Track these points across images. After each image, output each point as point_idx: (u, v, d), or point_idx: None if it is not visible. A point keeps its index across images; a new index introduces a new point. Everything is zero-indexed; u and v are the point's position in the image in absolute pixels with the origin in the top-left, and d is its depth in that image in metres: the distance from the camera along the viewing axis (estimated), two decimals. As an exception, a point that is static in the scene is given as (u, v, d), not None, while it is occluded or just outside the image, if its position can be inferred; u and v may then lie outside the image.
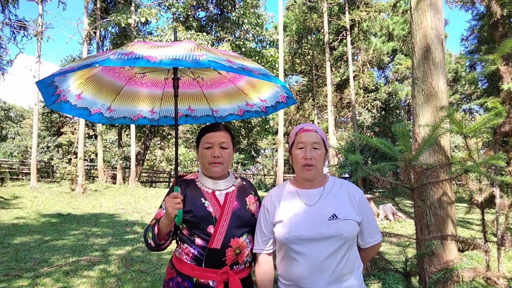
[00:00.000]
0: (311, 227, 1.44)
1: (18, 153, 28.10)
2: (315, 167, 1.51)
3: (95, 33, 17.90)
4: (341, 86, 25.91)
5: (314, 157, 1.51)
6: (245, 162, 27.19)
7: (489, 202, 2.63)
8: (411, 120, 3.03)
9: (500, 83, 3.34)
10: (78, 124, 17.36)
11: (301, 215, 1.49)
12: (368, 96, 24.15)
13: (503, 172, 2.90)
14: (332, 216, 1.45)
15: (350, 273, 1.45)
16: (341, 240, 1.42)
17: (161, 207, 1.65)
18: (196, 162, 21.89)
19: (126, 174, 21.01)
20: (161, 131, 21.81)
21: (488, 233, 2.94)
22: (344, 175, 19.99)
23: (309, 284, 1.42)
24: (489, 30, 12.17)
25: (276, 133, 23.80)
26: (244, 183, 1.79)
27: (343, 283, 1.43)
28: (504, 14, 10.43)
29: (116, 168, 21.19)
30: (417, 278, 2.28)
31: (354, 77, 22.83)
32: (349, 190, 1.55)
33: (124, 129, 20.90)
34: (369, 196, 7.59)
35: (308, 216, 1.48)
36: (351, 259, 1.47)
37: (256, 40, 20.10)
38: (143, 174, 23.30)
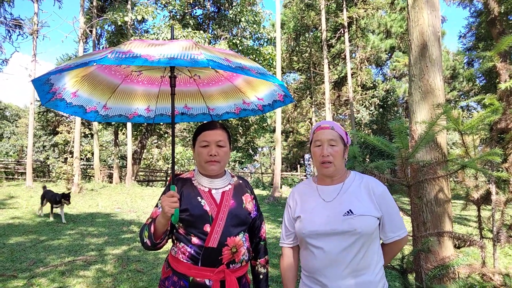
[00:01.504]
0: (326, 222, 1.49)
1: (14, 153, 27.94)
2: (332, 163, 1.55)
3: (91, 31, 17.79)
4: (339, 84, 25.92)
5: (331, 153, 1.54)
6: (243, 160, 27.19)
7: (485, 198, 2.64)
8: (409, 117, 3.03)
9: (497, 80, 3.35)
10: (74, 123, 17.27)
11: (318, 211, 1.54)
12: (366, 94, 24.18)
13: (500, 169, 2.90)
14: (348, 212, 1.48)
15: (367, 268, 1.46)
16: (355, 236, 1.44)
17: (157, 206, 1.65)
18: (193, 160, 21.85)
19: (123, 173, 20.94)
20: (158, 130, 21.76)
21: (485, 229, 2.95)
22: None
23: (324, 277, 1.47)
24: (487, 27, 12.22)
25: (273, 131, 23.81)
26: (241, 181, 1.79)
27: (358, 277, 1.45)
28: (502, 11, 10.47)
29: (112, 167, 21.12)
30: (414, 275, 2.29)
31: (352, 75, 22.83)
32: (369, 185, 1.56)
33: (120, 128, 20.81)
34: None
35: (324, 211, 1.52)
36: (368, 254, 1.48)
37: (254, 38, 20.05)
38: (140, 173, 23.25)
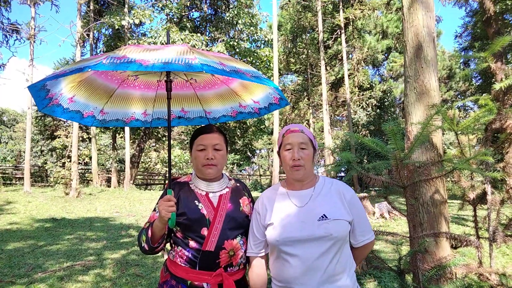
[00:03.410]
0: (302, 228, 1.45)
1: (12, 158, 27.82)
2: (303, 167, 1.52)
3: (88, 35, 17.79)
4: (336, 85, 25.99)
5: (302, 157, 1.52)
6: (241, 162, 27.17)
7: (481, 198, 2.66)
8: (405, 118, 3.05)
9: (493, 79, 3.37)
10: (72, 128, 17.24)
11: (292, 216, 1.50)
12: (363, 95, 24.24)
13: (498, 168, 2.92)
14: (322, 216, 1.46)
15: (342, 272, 1.46)
16: (331, 240, 1.43)
17: (155, 210, 1.65)
18: (191, 163, 21.81)
19: (121, 177, 20.89)
20: (155, 133, 21.73)
21: (482, 229, 2.97)
22: (339, 174, 20.08)
23: (301, 285, 1.43)
24: (483, 27, 12.29)
25: (271, 133, 23.83)
26: (238, 184, 1.79)
27: (335, 283, 1.43)
28: (497, 11, 10.55)
29: (110, 171, 21.07)
30: (411, 275, 2.30)
31: (349, 76, 22.90)
32: (340, 189, 1.56)
33: (118, 132, 20.79)
34: (364, 194, 7.61)
35: (298, 217, 1.49)
36: (343, 258, 1.48)
37: (251, 40, 20.10)
38: (138, 177, 23.19)
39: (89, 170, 21.19)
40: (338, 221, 1.46)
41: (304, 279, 1.42)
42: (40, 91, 1.69)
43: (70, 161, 15.61)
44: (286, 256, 1.46)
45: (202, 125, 1.77)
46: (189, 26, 18.79)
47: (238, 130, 21.93)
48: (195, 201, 1.62)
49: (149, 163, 24.93)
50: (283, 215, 1.51)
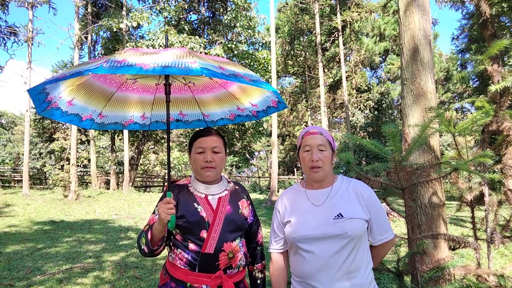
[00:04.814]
0: (317, 226, 1.49)
1: (10, 160, 27.73)
2: (322, 168, 1.56)
3: (86, 38, 17.79)
4: (334, 87, 26.05)
5: (321, 158, 1.55)
6: (240, 164, 27.16)
7: (479, 200, 2.67)
8: (402, 121, 3.07)
9: (490, 81, 3.39)
10: (71, 130, 17.20)
11: (308, 215, 1.54)
12: (361, 97, 24.30)
13: (496, 170, 2.93)
14: (338, 215, 1.49)
15: (357, 270, 1.48)
16: (346, 239, 1.46)
17: (154, 212, 1.66)
18: (190, 165, 21.79)
19: (120, 179, 20.85)
20: (154, 135, 21.71)
21: (481, 230, 2.98)
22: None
23: (317, 281, 1.47)
24: (479, 29, 12.35)
25: (270, 135, 23.82)
26: (237, 187, 1.80)
27: (350, 280, 1.46)
28: (493, 13, 10.61)
29: (109, 173, 21.03)
30: (410, 277, 2.31)
31: (346, 78, 22.96)
32: (357, 188, 1.58)
33: (117, 134, 20.75)
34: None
35: (314, 216, 1.53)
36: (359, 257, 1.49)
37: (249, 42, 20.13)
38: (137, 179, 23.14)
39: (88, 173, 21.14)
40: (354, 220, 1.48)
41: (319, 275, 1.46)
42: (40, 95, 1.70)
43: (69, 163, 15.58)
44: (303, 253, 1.51)
45: (201, 128, 1.78)
46: (187, 29, 18.81)
47: (237, 132, 21.93)
48: (194, 204, 1.63)
49: (148, 165, 24.89)
50: (300, 213, 1.56)
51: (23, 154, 18.49)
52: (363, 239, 1.53)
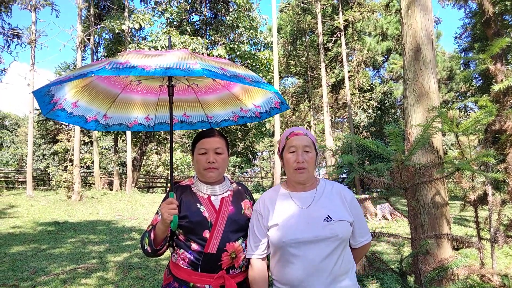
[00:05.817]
0: (307, 229, 1.46)
1: (14, 162, 27.87)
2: (307, 170, 1.54)
3: (89, 39, 17.86)
4: (336, 87, 25.99)
5: (306, 160, 1.53)
6: (242, 165, 27.18)
7: (482, 199, 2.66)
8: (404, 120, 3.06)
9: (494, 80, 3.38)
10: (74, 131, 17.27)
11: (296, 217, 1.50)
12: (363, 96, 24.23)
13: (499, 169, 2.92)
14: (327, 217, 1.47)
15: (346, 273, 1.48)
16: (336, 241, 1.44)
17: (157, 213, 1.67)
18: (193, 166, 21.81)
19: (123, 180, 20.90)
20: (157, 136, 21.77)
21: (484, 230, 2.97)
22: (341, 176, 20.06)
23: (306, 287, 1.42)
24: (482, 28, 12.30)
25: (272, 135, 23.85)
26: (240, 188, 1.81)
27: (339, 283, 1.45)
28: (496, 12, 10.56)
29: (112, 174, 21.09)
30: (413, 277, 2.30)
31: (349, 78, 22.91)
32: (340, 191, 1.58)
33: (120, 135, 20.83)
34: (366, 196, 7.62)
35: (303, 218, 1.49)
36: (346, 259, 1.50)
37: (251, 42, 20.13)
38: (140, 180, 23.20)
39: (91, 174, 21.21)
40: (342, 222, 1.48)
41: (309, 281, 1.41)
42: (45, 97, 1.71)
43: (72, 164, 15.64)
44: (291, 258, 1.46)
45: (204, 129, 1.79)
46: (189, 30, 18.85)
47: (239, 133, 21.94)
48: (197, 204, 1.64)
49: (151, 166, 24.96)
50: (287, 216, 1.51)
51: (26, 156, 18.57)
52: (347, 241, 1.53)
